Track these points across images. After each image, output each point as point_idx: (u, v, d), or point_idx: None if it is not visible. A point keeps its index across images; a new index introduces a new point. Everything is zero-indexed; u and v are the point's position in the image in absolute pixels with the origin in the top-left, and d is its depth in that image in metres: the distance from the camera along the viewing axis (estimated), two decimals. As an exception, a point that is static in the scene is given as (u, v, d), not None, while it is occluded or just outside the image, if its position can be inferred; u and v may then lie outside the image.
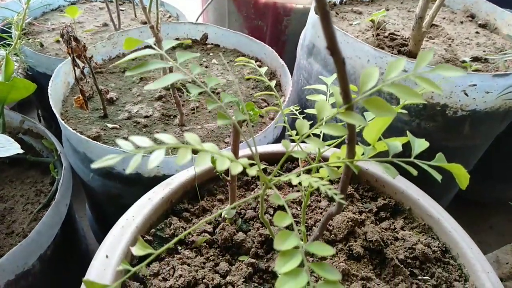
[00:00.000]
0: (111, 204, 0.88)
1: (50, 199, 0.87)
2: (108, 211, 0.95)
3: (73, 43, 0.66)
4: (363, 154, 0.37)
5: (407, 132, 0.40)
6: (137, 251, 0.28)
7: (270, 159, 0.77)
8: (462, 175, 0.36)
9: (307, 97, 0.54)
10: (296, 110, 0.53)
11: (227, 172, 0.63)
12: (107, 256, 0.56)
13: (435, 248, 0.65)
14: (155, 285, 0.56)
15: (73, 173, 0.91)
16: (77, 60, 0.70)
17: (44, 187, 0.93)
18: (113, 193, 0.82)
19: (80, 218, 1.12)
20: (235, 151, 0.50)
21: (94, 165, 0.23)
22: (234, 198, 0.66)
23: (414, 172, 0.33)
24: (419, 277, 0.63)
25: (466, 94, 0.74)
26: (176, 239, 0.31)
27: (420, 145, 0.37)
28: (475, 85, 0.72)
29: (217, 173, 0.59)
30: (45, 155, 1.01)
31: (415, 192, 0.71)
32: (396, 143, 0.36)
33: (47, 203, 0.87)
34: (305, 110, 0.53)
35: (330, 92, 0.55)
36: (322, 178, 0.53)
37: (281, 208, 0.69)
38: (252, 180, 0.74)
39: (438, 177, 0.34)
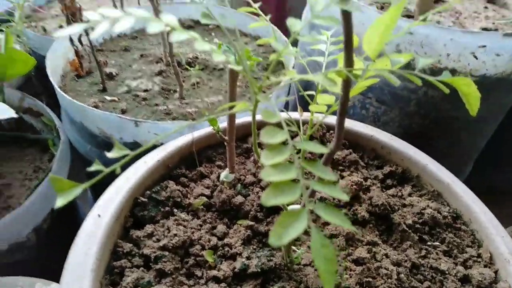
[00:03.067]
0: (109, 179, 0.85)
1: (47, 175, 0.85)
2: (107, 186, 0.92)
3: (67, 0, 0.64)
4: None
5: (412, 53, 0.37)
6: (112, 154, 0.25)
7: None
8: (471, 95, 0.33)
9: (311, 47, 0.51)
10: (302, 55, 0.50)
11: (225, 133, 0.60)
12: (99, 216, 0.54)
13: (445, 213, 0.62)
14: (148, 246, 0.53)
15: (72, 149, 0.89)
16: (72, 21, 0.69)
17: (42, 163, 0.91)
18: (110, 165, 0.80)
19: (81, 201, 1.10)
20: (232, 96, 0.47)
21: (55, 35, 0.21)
22: (233, 161, 0.63)
23: (418, 82, 0.31)
24: (429, 243, 0.59)
25: (476, 57, 0.71)
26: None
27: (424, 61, 0.34)
28: (485, 46, 0.69)
29: (215, 131, 0.56)
30: (45, 134, 0.99)
31: (423, 159, 0.68)
32: (399, 58, 0.33)
33: (44, 179, 0.85)
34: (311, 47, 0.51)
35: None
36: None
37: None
38: (252, 147, 0.72)
39: (446, 90, 0.31)
